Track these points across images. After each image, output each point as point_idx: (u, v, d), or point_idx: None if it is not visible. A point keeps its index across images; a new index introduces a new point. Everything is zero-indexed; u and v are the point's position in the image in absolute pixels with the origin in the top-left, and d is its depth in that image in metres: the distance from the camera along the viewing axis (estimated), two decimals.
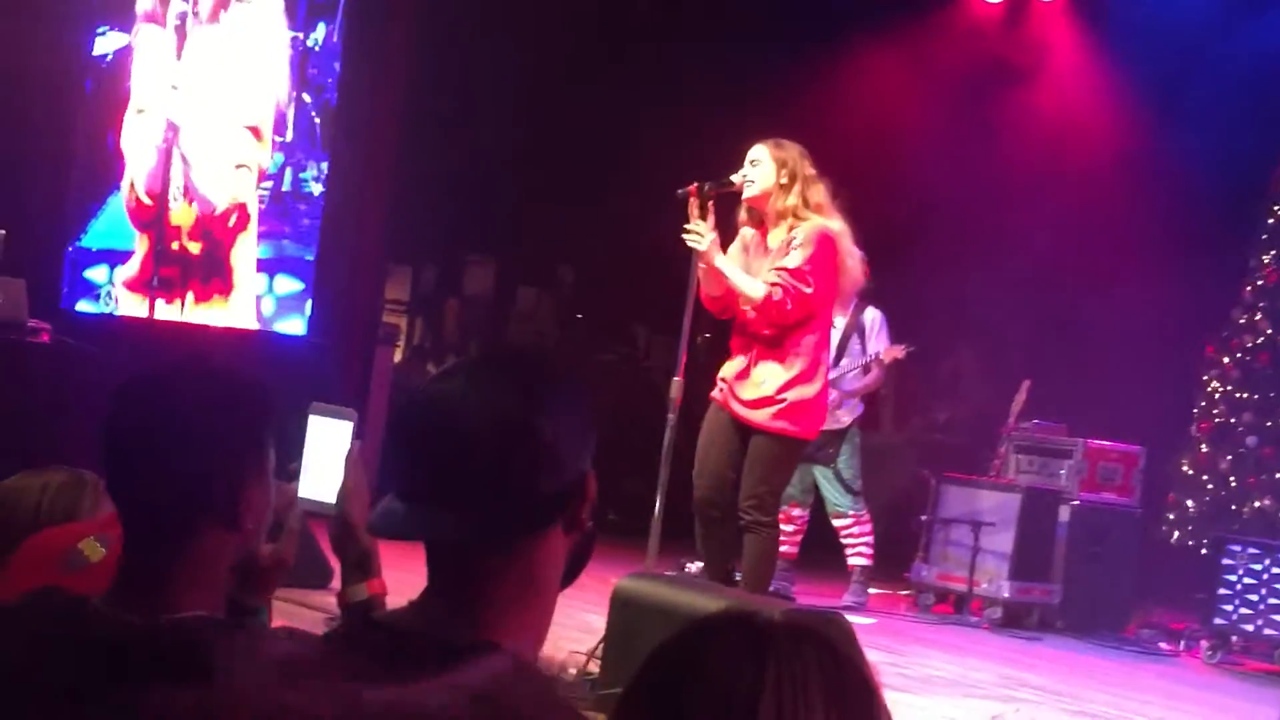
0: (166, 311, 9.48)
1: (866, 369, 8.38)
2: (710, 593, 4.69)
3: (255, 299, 10.05)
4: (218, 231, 9.86)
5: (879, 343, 8.37)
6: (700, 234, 5.70)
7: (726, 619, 1.38)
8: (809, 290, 5.71)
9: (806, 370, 5.81)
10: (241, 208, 9.91)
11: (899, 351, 8.34)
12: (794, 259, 5.71)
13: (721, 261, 5.75)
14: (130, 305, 9.79)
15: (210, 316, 9.81)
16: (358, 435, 2.28)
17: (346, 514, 2.31)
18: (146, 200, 9.66)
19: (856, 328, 8.37)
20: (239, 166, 9.89)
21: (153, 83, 9.77)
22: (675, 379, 5.69)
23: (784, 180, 5.80)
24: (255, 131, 9.96)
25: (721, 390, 5.91)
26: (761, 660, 1.33)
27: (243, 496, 1.97)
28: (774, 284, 5.68)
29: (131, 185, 9.79)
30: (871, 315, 8.41)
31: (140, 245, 9.77)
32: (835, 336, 8.13)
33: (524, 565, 1.69)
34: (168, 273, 9.48)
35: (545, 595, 1.72)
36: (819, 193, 5.84)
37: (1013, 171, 11.20)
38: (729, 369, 5.92)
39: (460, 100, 11.46)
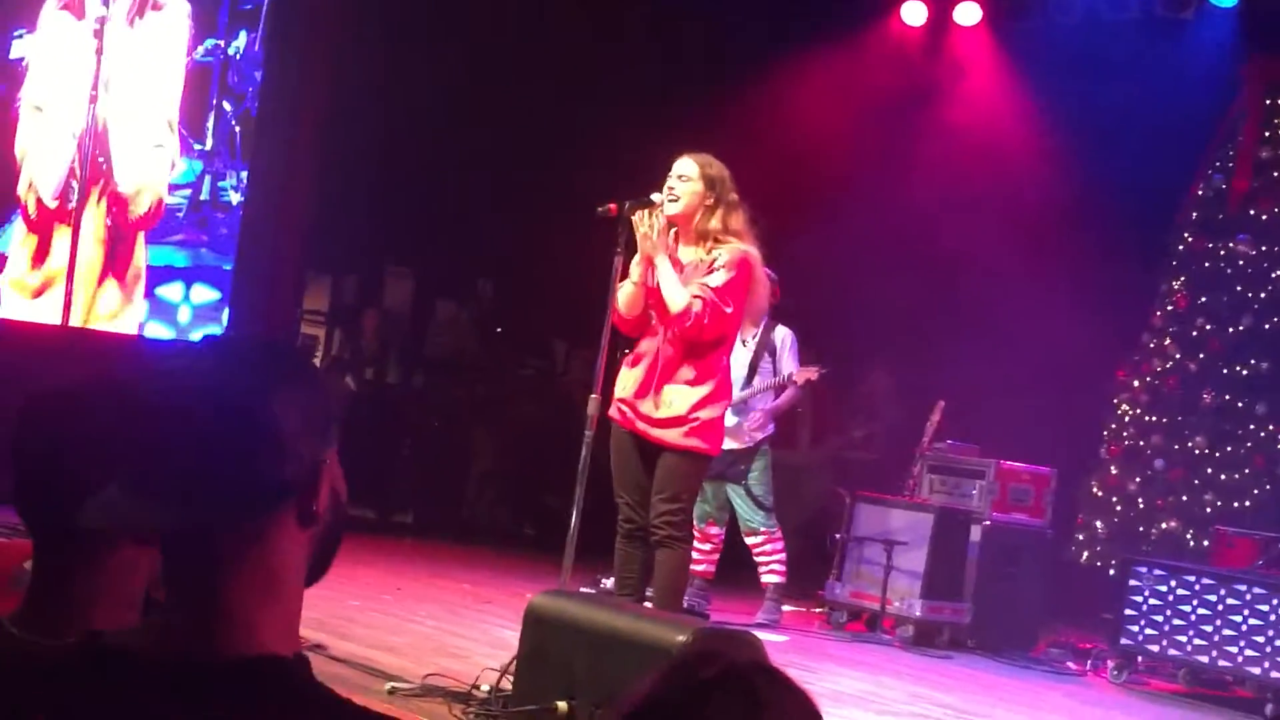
0: (51, 306, 9.30)
1: (780, 389, 8.44)
2: (623, 612, 4.71)
3: (168, 306, 9.95)
4: (123, 225, 9.72)
5: (790, 362, 8.44)
6: (654, 235, 5.72)
7: (718, 674, 1.42)
8: (728, 310, 5.75)
9: (716, 390, 5.85)
10: (158, 203, 9.79)
11: (811, 373, 8.40)
12: (718, 278, 5.74)
13: (663, 262, 5.76)
14: (13, 303, 9.62)
15: (103, 312, 9.64)
16: None
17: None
18: (51, 203, 9.51)
19: (767, 346, 8.44)
20: (157, 146, 9.78)
21: (63, 78, 9.59)
22: (593, 396, 5.69)
23: (709, 202, 5.82)
24: (169, 124, 9.87)
25: (621, 410, 5.90)
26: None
27: None
28: (696, 296, 5.72)
29: (30, 185, 9.62)
30: (782, 334, 8.48)
31: (28, 243, 9.62)
32: (746, 355, 8.20)
33: (259, 564, 1.64)
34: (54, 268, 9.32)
35: (287, 593, 1.67)
36: (738, 219, 5.87)
37: (929, 192, 11.31)
38: (625, 387, 5.91)
39: (382, 111, 11.43)
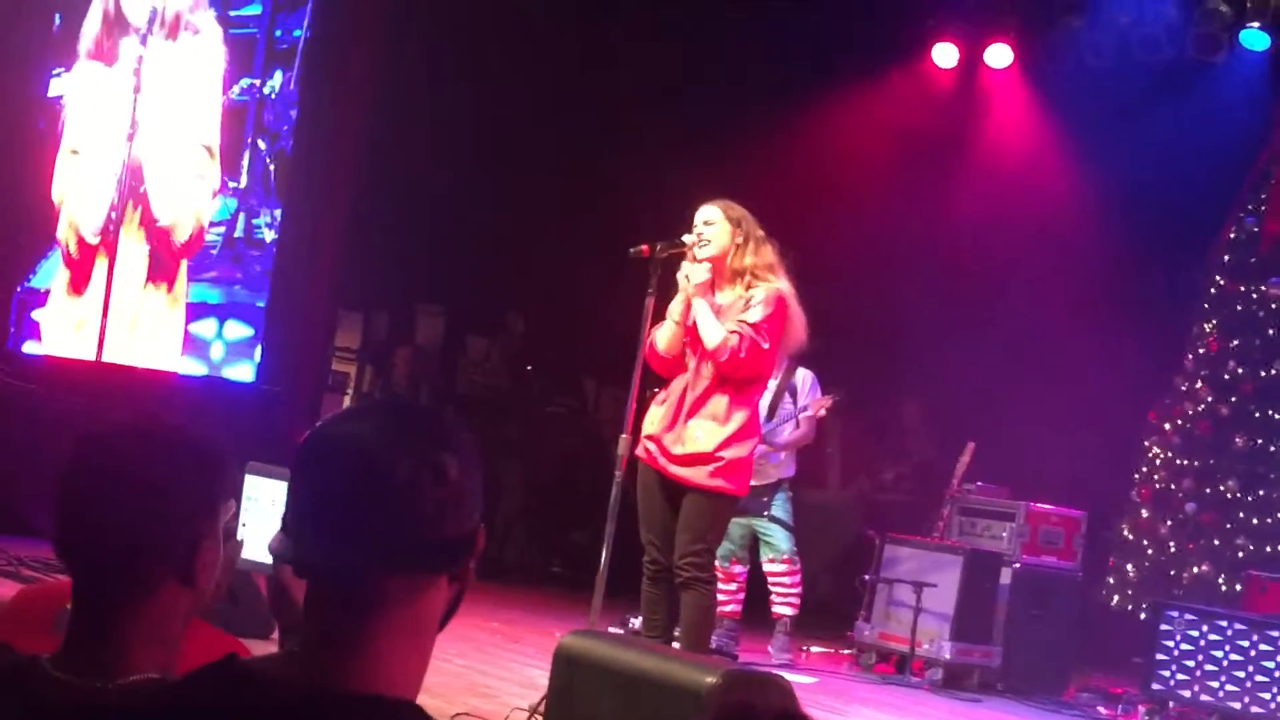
0: (88, 339, 9.37)
1: (796, 424, 8.48)
2: (652, 653, 4.71)
3: (202, 342, 10.01)
4: (165, 254, 9.79)
5: (810, 399, 8.50)
6: (696, 270, 5.78)
7: None
8: (765, 346, 5.77)
9: (744, 428, 5.85)
10: (198, 231, 9.88)
11: (826, 402, 8.45)
12: (755, 314, 5.77)
13: (700, 302, 5.80)
14: (54, 337, 9.70)
15: (136, 346, 9.70)
16: None
17: (282, 575, 2.26)
18: (92, 239, 9.60)
19: (788, 388, 8.48)
20: (199, 176, 9.86)
21: (99, 121, 9.68)
22: (623, 436, 5.70)
23: (739, 240, 5.87)
24: (209, 150, 9.95)
25: (647, 449, 5.91)
26: None
27: (198, 554, 1.98)
28: (734, 331, 5.75)
29: (70, 224, 9.71)
30: (803, 375, 8.53)
31: (65, 278, 9.71)
32: (767, 397, 8.23)
33: (409, 613, 1.72)
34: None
35: (425, 643, 1.76)
36: (769, 253, 5.92)
37: (961, 235, 11.33)
38: (654, 424, 5.93)
39: (414, 149, 11.51)
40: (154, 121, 9.56)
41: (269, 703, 1.65)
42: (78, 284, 9.63)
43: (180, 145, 9.82)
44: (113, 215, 9.41)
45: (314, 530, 1.72)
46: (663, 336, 5.85)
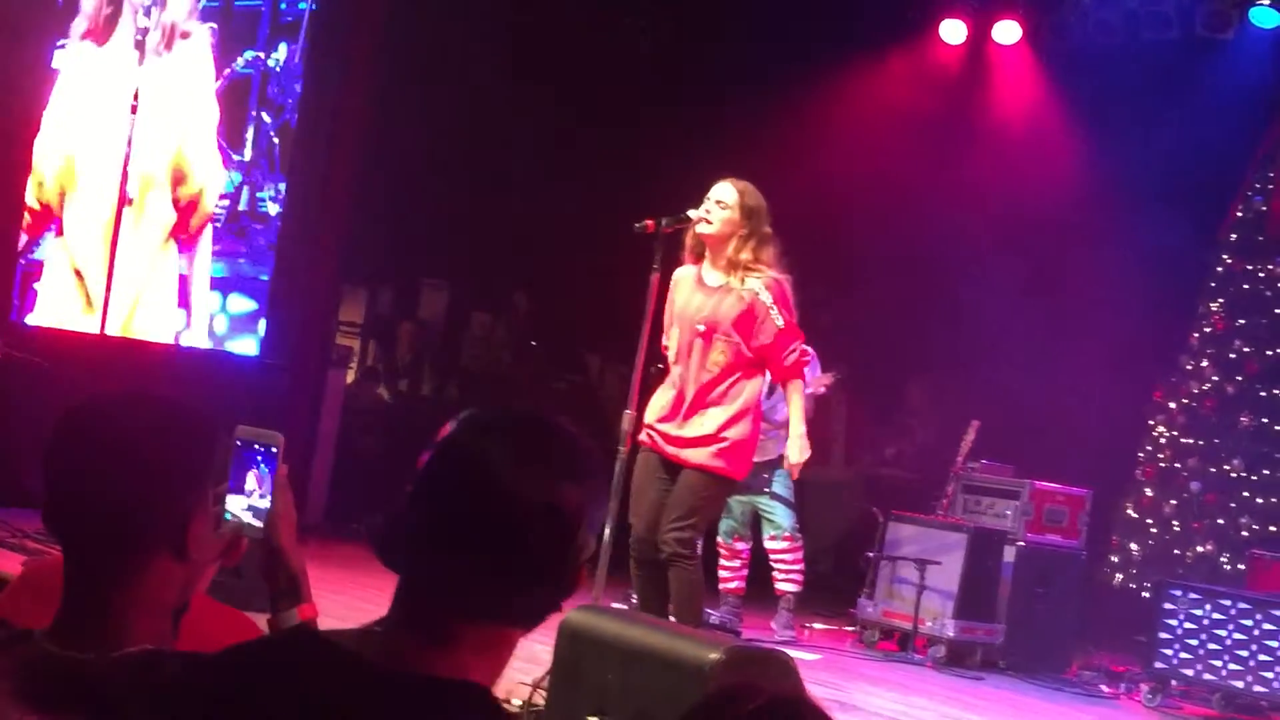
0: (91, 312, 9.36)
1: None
2: (657, 628, 4.70)
3: (208, 316, 10.00)
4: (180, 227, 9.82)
5: (810, 376, 8.47)
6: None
7: (764, 706, 1.46)
8: (800, 335, 5.92)
9: (743, 410, 5.88)
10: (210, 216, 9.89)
11: (827, 379, 8.45)
12: (780, 318, 5.82)
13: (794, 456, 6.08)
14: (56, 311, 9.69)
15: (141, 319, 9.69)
16: (284, 459, 2.24)
17: (274, 538, 2.26)
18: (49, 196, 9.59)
19: None
20: (207, 173, 9.89)
21: (96, 114, 9.65)
22: (627, 412, 5.70)
23: (743, 232, 5.85)
24: (211, 151, 9.95)
25: (649, 435, 5.92)
26: None
27: (190, 527, 1.96)
28: (796, 363, 5.95)
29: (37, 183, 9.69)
30: None
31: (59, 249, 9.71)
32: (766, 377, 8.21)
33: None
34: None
35: (511, 639, 1.81)
36: (769, 253, 5.91)
37: (968, 211, 11.28)
38: (656, 411, 5.94)
39: (420, 124, 11.48)
40: (157, 122, 9.58)
41: (348, 676, 1.68)
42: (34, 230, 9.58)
43: (190, 143, 9.83)
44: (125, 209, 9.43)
45: (426, 537, 1.75)
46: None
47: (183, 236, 9.82)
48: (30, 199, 9.45)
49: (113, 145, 9.50)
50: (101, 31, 9.71)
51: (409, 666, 1.69)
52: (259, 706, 1.68)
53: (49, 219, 9.71)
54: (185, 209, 9.80)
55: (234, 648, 1.85)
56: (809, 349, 8.52)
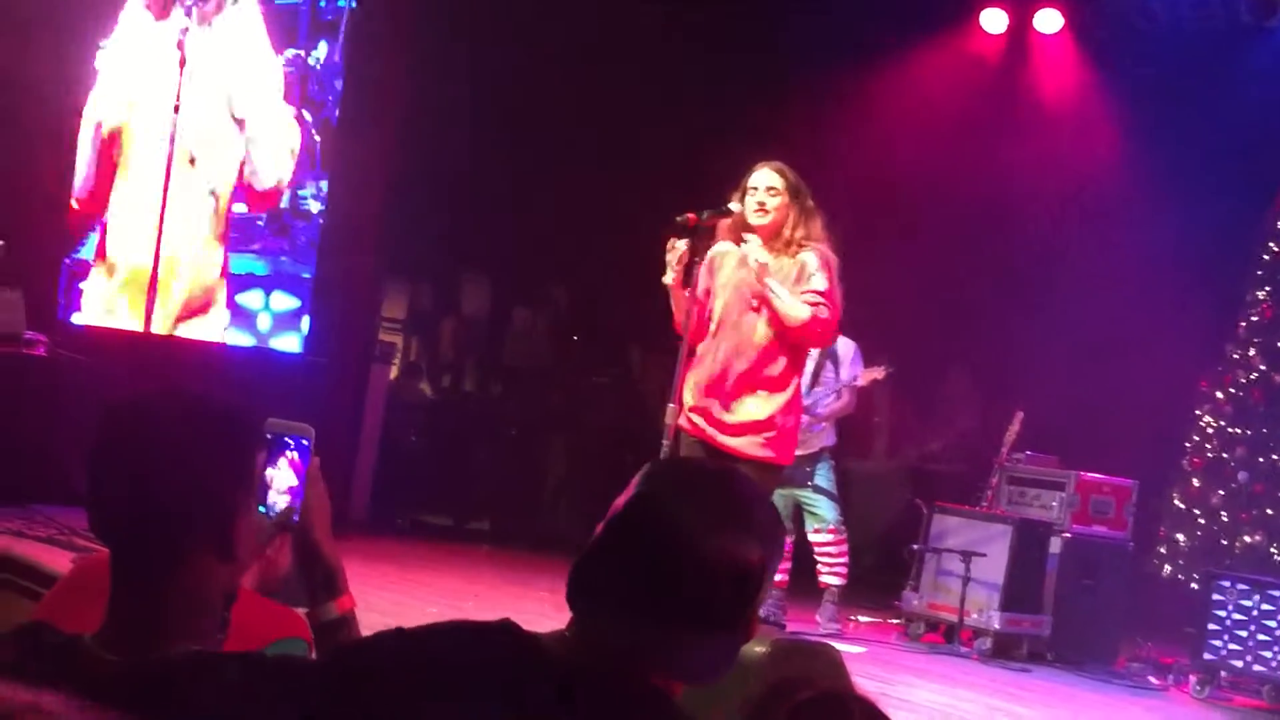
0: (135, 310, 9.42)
1: (839, 394, 8.44)
2: None
3: (248, 314, 10.04)
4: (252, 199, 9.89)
5: (853, 369, 8.46)
6: (758, 252, 5.79)
7: (814, 698, 1.47)
8: (839, 311, 5.85)
9: (793, 398, 5.89)
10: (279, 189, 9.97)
11: (878, 373, 8.42)
12: (819, 282, 5.80)
13: (773, 283, 5.79)
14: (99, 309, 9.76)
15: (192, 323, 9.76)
16: (315, 451, 2.23)
17: (309, 531, 2.24)
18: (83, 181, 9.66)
19: (830, 355, 8.44)
20: (284, 134, 9.95)
21: (149, 93, 9.71)
22: (670, 405, 5.69)
23: (795, 211, 5.87)
24: (280, 106, 10.02)
25: (691, 420, 5.90)
26: None
27: (234, 525, 1.96)
28: (815, 304, 5.75)
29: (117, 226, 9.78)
30: (845, 344, 8.48)
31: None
32: (810, 364, 8.19)
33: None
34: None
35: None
36: (818, 225, 5.93)
37: (1011, 200, 11.22)
38: (696, 393, 5.90)
39: (460, 119, 11.49)
40: (211, 93, 9.62)
41: (552, 675, 1.75)
42: (103, 245, 9.66)
43: (259, 109, 9.89)
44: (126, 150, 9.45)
45: (617, 595, 1.82)
46: (677, 306, 5.83)
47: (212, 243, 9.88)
48: (82, 190, 9.57)
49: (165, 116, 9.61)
50: (159, 4, 9.81)
51: (616, 670, 1.78)
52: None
53: (95, 215, 9.80)
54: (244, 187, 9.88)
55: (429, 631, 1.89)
56: (852, 342, 8.53)
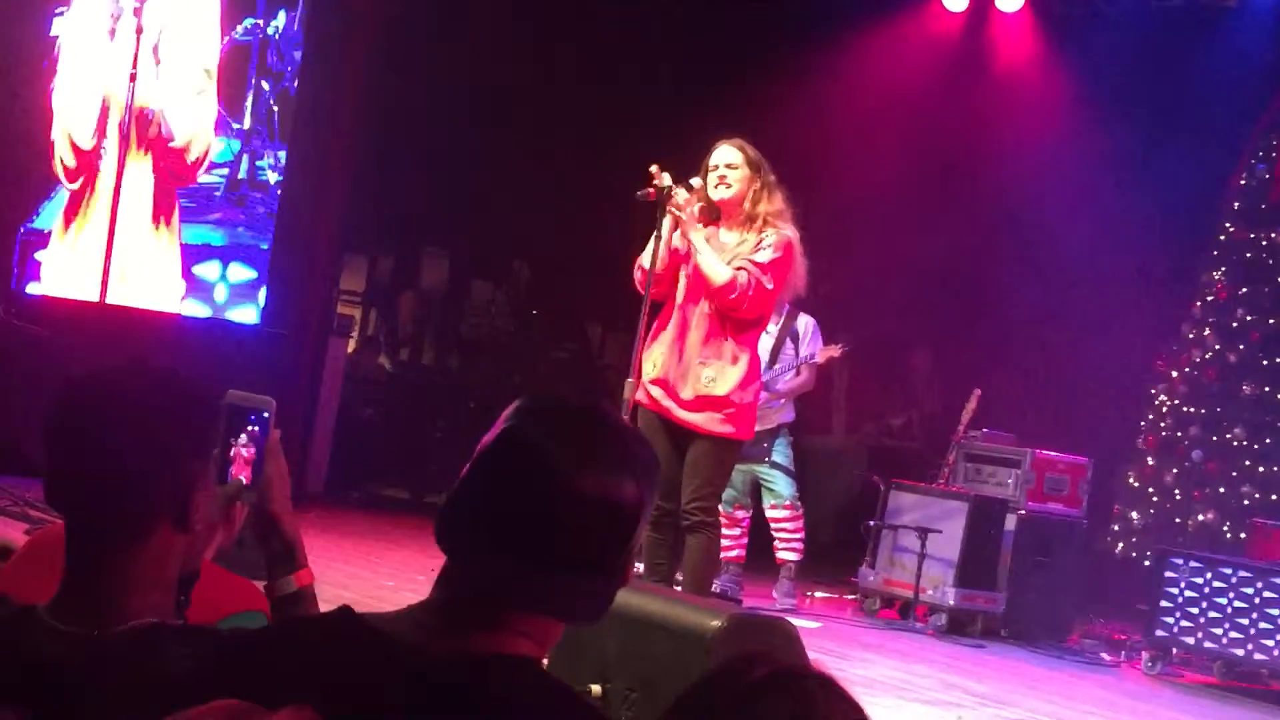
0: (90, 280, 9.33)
1: (798, 371, 8.47)
2: (658, 596, 4.70)
3: (205, 285, 9.98)
4: (179, 170, 9.74)
5: (812, 346, 8.48)
6: (685, 209, 5.74)
7: (768, 676, 1.43)
8: (769, 287, 5.77)
9: (750, 372, 5.88)
10: (205, 151, 9.82)
11: (834, 351, 8.45)
12: (763, 256, 5.78)
13: (698, 236, 5.77)
14: (56, 278, 9.66)
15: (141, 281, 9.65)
16: (275, 424, 2.21)
17: (268, 504, 2.23)
18: (87, 143, 9.52)
19: (790, 333, 8.47)
20: (199, 93, 9.80)
21: (88, 32, 9.58)
22: (628, 380, 5.69)
23: (757, 186, 5.87)
24: (207, 71, 9.88)
25: (650, 394, 5.88)
26: None
27: (191, 498, 1.95)
28: (741, 269, 5.72)
29: (64, 133, 9.62)
30: (805, 321, 8.52)
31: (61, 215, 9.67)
32: (769, 342, 8.21)
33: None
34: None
35: (562, 627, 1.82)
36: (779, 198, 5.92)
37: (968, 179, 11.26)
38: (656, 368, 5.88)
39: (420, 92, 11.43)
40: (154, 37, 9.48)
41: (394, 662, 1.68)
42: (72, 212, 9.55)
43: (185, 63, 9.75)
44: (109, 122, 9.35)
45: (487, 531, 1.74)
46: (648, 254, 5.80)
47: (160, 216, 9.76)
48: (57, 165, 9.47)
49: (102, 73, 9.47)
50: None
51: (455, 649, 1.69)
52: (292, 691, 1.66)
53: (55, 184, 9.69)
54: (168, 170, 9.74)
55: (268, 629, 1.83)
56: (811, 319, 8.54)
